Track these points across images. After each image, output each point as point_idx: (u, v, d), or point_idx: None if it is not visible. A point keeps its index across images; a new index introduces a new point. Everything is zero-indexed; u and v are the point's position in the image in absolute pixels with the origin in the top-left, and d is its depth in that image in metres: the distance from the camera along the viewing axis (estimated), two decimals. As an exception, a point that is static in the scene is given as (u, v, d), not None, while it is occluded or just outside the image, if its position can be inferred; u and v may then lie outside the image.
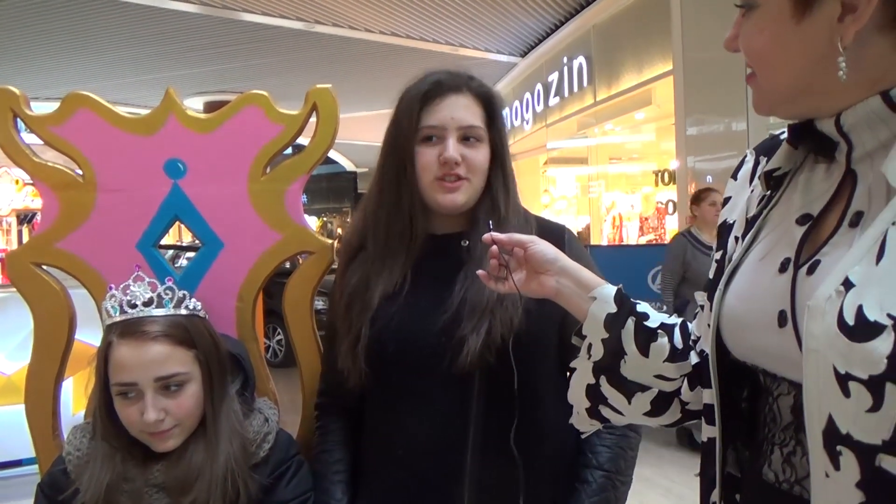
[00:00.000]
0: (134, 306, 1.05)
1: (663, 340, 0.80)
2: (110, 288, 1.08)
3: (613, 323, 0.80)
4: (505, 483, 1.03)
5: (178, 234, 9.84)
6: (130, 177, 1.29)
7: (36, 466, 3.51)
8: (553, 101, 8.32)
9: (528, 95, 9.09)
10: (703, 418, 0.72)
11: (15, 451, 3.68)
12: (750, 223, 0.69)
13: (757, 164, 0.75)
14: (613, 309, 0.81)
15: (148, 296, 1.05)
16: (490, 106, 1.12)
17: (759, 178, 0.70)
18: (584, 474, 1.09)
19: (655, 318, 0.82)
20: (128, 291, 1.06)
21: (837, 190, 0.61)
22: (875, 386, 0.49)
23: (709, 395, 0.71)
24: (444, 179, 1.07)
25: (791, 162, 0.68)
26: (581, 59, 7.38)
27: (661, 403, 0.81)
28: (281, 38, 7.80)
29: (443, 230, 1.14)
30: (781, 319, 0.59)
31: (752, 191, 0.72)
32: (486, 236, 0.87)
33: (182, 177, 1.30)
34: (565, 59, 7.80)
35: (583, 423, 0.89)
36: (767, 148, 0.74)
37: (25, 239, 11.03)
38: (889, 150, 0.56)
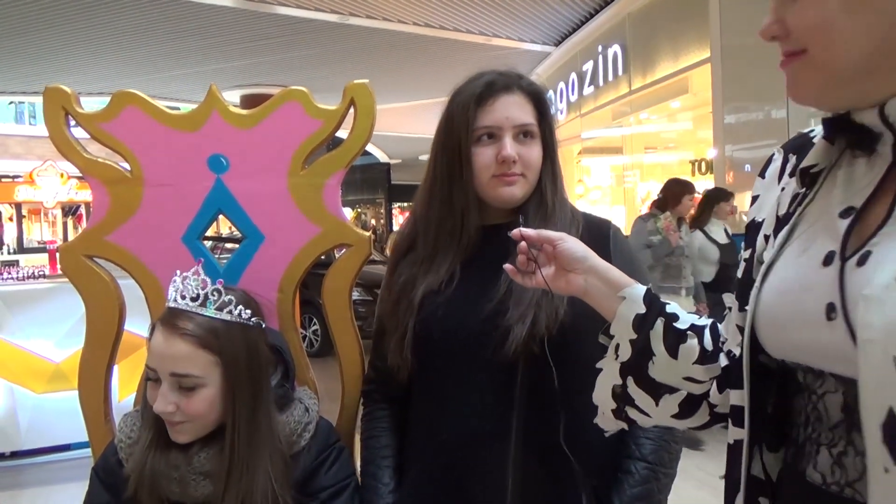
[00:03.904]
0: (183, 298, 1.08)
1: (693, 342, 0.78)
2: (176, 274, 1.11)
3: (642, 323, 0.80)
4: (549, 472, 1.05)
5: (215, 227, 10.02)
6: (175, 172, 1.33)
7: (85, 451, 3.63)
8: (588, 90, 8.24)
9: (562, 85, 9.02)
10: (730, 420, 0.71)
11: (64, 436, 3.82)
12: (782, 221, 0.68)
13: (785, 161, 0.74)
14: (642, 309, 0.80)
15: (196, 292, 1.08)
16: (540, 103, 1.14)
17: (794, 175, 0.68)
18: (626, 465, 1.09)
19: (685, 320, 0.80)
20: (185, 282, 1.09)
21: (881, 182, 0.59)
22: None
23: (737, 397, 0.69)
24: (503, 175, 1.11)
25: (828, 158, 0.66)
26: (616, 48, 7.29)
27: (689, 406, 0.79)
28: (316, 31, 7.87)
29: (494, 221, 1.16)
30: (830, 312, 0.57)
31: (783, 189, 0.70)
32: (515, 232, 0.87)
33: (225, 171, 1.34)
34: (600, 48, 7.71)
35: (608, 423, 0.88)
36: (796, 146, 0.73)
37: (70, 230, 11.38)
38: None
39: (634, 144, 7.98)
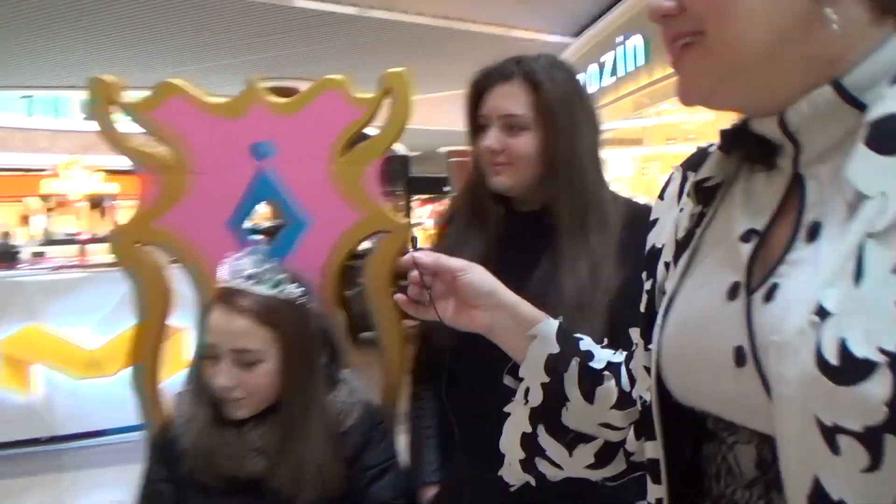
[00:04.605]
0: (239, 276, 1.12)
1: (610, 384, 0.71)
2: (228, 255, 1.15)
3: (556, 365, 0.72)
4: None
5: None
6: (219, 159, 1.37)
7: (120, 436, 3.70)
8: (608, 81, 8.20)
9: (581, 76, 8.98)
10: (648, 477, 0.61)
11: (100, 422, 3.90)
12: (681, 245, 0.60)
13: (684, 180, 0.66)
14: (555, 349, 0.72)
15: (251, 271, 1.11)
16: (539, 90, 1.13)
17: (687, 191, 0.61)
18: None
19: (600, 358, 0.73)
20: (238, 261, 1.13)
21: (784, 199, 0.51)
22: (872, 440, 0.39)
23: (652, 449, 0.60)
24: (491, 164, 1.16)
25: (723, 171, 0.59)
26: (637, 38, 7.24)
27: (605, 455, 0.72)
28: (334, 24, 7.89)
29: (524, 208, 1.20)
30: (738, 358, 0.49)
31: (682, 209, 0.62)
32: (407, 257, 0.78)
33: (267, 158, 1.37)
34: (621, 39, 7.66)
35: (513, 475, 0.79)
36: (695, 163, 0.64)
37: (97, 223, 11.56)
38: (843, 149, 0.47)
39: (655, 135, 7.94)
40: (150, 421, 1.32)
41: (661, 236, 0.65)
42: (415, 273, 0.77)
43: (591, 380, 0.71)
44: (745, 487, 0.53)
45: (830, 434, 0.41)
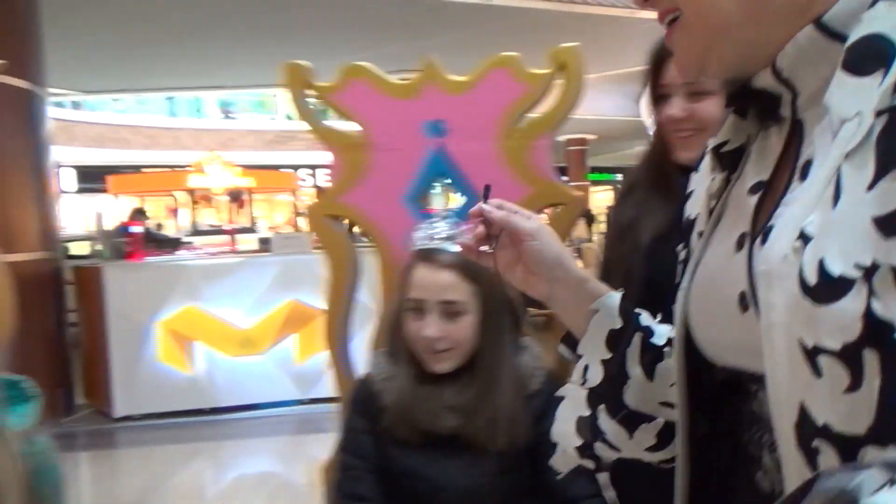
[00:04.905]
0: (435, 238, 1.19)
1: (670, 360, 0.68)
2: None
3: (618, 341, 0.69)
4: None
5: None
6: (398, 137, 1.44)
7: (272, 410, 3.99)
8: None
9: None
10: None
11: (253, 396, 4.21)
12: (711, 213, 0.61)
13: None
14: (619, 324, 0.70)
15: (448, 233, 1.18)
16: None
17: (708, 156, 0.61)
18: None
19: (660, 334, 0.70)
20: (434, 226, 1.20)
21: (786, 146, 0.51)
22: (851, 357, 0.39)
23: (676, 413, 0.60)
24: (676, 133, 1.14)
25: (741, 134, 0.58)
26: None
27: (666, 435, 0.69)
28: (460, 14, 7.96)
29: None
30: (742, 303, 0.50)
31: (713, 178, 0.61)
32: (476, 208, 0.74)
33: (442, 135, 1.43)
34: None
35: (567, 462, 0.76)
36: None
37: (235, 215, 12.42)
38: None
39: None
40: (342, 382, 1.41)
41: (696, 207, 0.65)
42: (481, 229, 0.73)
43: (652, 356, 0.69)
44: (771, 432, 0.52)
45: (812, 356, 0.41)
